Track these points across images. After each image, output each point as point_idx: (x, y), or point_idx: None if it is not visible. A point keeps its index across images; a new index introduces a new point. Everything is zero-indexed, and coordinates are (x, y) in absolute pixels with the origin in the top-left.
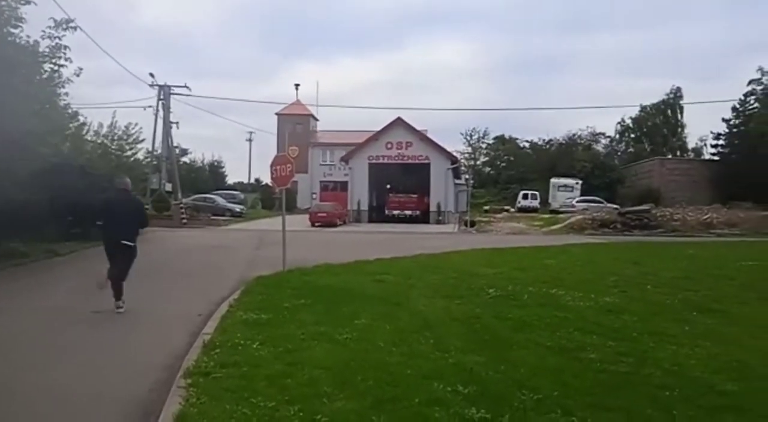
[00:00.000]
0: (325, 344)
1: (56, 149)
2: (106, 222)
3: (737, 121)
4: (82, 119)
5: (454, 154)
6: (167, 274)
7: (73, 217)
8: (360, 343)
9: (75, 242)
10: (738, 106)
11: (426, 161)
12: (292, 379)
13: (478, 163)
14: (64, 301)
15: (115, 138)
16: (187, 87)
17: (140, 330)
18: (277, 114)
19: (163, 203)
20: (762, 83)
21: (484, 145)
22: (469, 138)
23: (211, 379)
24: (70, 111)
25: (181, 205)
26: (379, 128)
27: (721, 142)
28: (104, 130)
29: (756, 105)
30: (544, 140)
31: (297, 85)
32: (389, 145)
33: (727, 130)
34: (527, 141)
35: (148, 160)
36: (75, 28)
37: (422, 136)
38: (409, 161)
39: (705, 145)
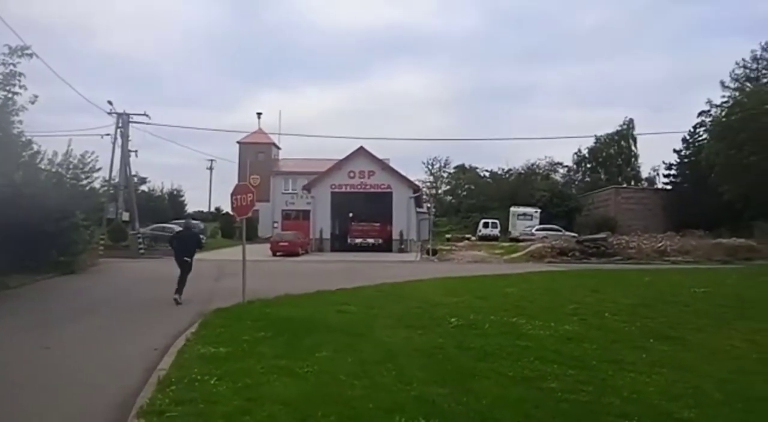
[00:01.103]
0: (286, 378)
1: (8, 178)
2: (177, 246)
3: (687, 152)
4: (36, 147)
5: (416, 182)
6: (123, 307)
7: (24, 249)
8: (321, 377)
9: (25, 274)
10: (688, 137)
11: (388, 190)
12: (251, 416)
13: (439, 191)
14: (12, 336)
15: (71, 167)
16: (147, 115)
17: (92, 366)
18: (238, 142)
19: (120, 233)
20: (711, 115)
21: (445, 174)
22: (430, 167)
23: (165, 418)
24: (23, 139)
25: (139, 235)
26: (341, 157)
27: (672, 172)
28: (59, 159)
29: (705, 136)
30: (503, 169)
31: (259, 114)
32: (352, 174)
33: (678, 161)
34: (487, 170)
35: (105, 188)
36: (31, 55)
37: (384, 165)
38: (372, 190)
39: (658, 174)
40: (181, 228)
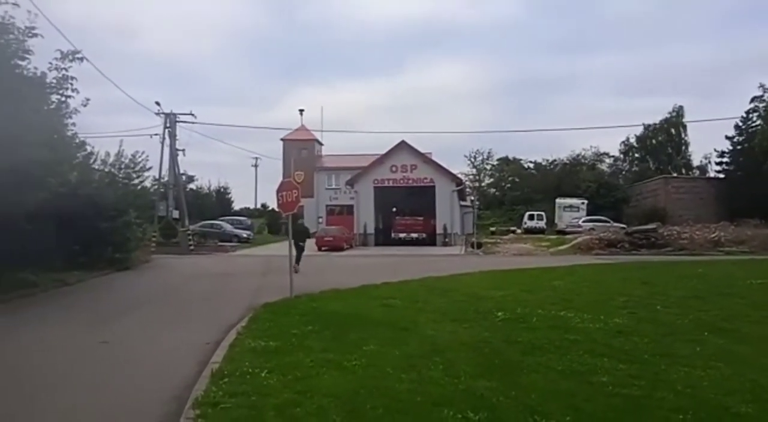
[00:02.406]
0: (334, 371)
1: (64, 179)
2: (296, 237)
3: (741, 138)
4: (89, 148)
5: (459, 175)
6: (175, 302)
7: (80, 246)
8: (368, 370)
9: (82, 271)
10: (741, 123)
11: (431, 184)
12: (301, 408)
13: (483, 184)
14: (72, 332)
15: (122, 166)
16: (193, 114)
17: (148, 359)
18: (282, 139)
19: (171, 230)
20: (764, 100)
21: (488, 167)
22: (473, 160)
23: (219, 410)
24: (77, 141)
25: (189, 232)
26: (383, 151)
27: (725, 159)
28: (111, 159)
29: (759, 122)
30: (548, 160)
31: (301, 111)
32: (394, 168)
33: (730, 148)
34: (531, 162)
35: (155, 187)
36: (81, 59)
37: (427, 159)
38: (414, 184)
39: (709, 162)
40: (299, 226)
